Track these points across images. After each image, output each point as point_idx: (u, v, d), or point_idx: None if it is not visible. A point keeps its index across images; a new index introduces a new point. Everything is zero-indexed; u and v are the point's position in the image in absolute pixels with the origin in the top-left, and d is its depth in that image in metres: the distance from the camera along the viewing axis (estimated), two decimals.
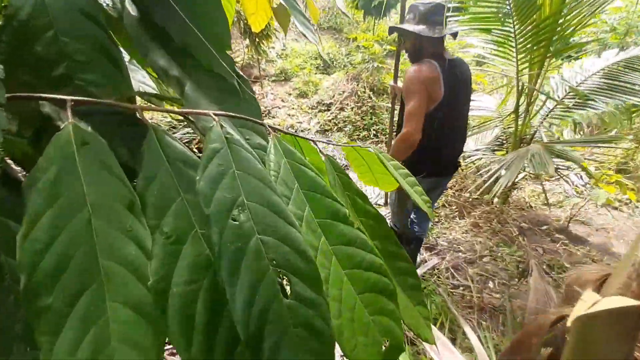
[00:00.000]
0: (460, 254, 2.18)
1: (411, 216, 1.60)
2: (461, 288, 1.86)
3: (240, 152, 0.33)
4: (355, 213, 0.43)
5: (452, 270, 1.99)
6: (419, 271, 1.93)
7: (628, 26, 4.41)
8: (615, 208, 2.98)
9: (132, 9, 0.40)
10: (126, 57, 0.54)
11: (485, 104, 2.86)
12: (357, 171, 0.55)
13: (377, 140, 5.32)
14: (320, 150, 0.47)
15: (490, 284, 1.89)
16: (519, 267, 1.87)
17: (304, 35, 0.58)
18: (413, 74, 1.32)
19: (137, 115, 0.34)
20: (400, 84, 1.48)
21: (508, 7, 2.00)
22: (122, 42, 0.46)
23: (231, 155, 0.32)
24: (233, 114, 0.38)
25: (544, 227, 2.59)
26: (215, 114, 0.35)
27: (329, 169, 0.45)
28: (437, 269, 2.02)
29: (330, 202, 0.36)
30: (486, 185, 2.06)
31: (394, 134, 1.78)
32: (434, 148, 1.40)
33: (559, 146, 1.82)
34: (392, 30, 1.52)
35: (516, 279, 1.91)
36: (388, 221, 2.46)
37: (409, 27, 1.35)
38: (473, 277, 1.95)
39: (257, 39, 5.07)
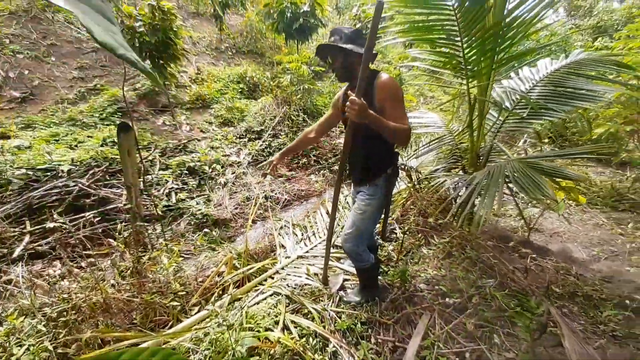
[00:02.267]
0: (447, 299, 1.80)
1: (364, 250, 1.66)
2: (468, 354, 1.45)
3: None
4: None
5: (448, 330, 1.57)
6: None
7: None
8: (552, 209, 3.10)
9: None
10: None
11: (431, 119, 2.70)
12: None
13: (319, 166, 4.88)
14: None
15: (497, 339, 1.53)
16: (532, 324, 1.53)
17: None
18: (393, 82, 1.37)
19: None
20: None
21: (454, 16, 1.81)
22: None
23: None
24: None
25: (510, 244, 2.46)
26: None
27: None
28: (432, 332, 1.58)
29: None
30: (463, 212, 1.76)
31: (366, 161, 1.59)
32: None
33: (544, 161, 1.64)
34: (324, 47, 1.47)
35: (526, 329, 1.59)
36: (352, 269, 1.98)
37: (346, 45, 1.37)
38: (473, 332, 1.56)
39: (162, 61, 4.24)
